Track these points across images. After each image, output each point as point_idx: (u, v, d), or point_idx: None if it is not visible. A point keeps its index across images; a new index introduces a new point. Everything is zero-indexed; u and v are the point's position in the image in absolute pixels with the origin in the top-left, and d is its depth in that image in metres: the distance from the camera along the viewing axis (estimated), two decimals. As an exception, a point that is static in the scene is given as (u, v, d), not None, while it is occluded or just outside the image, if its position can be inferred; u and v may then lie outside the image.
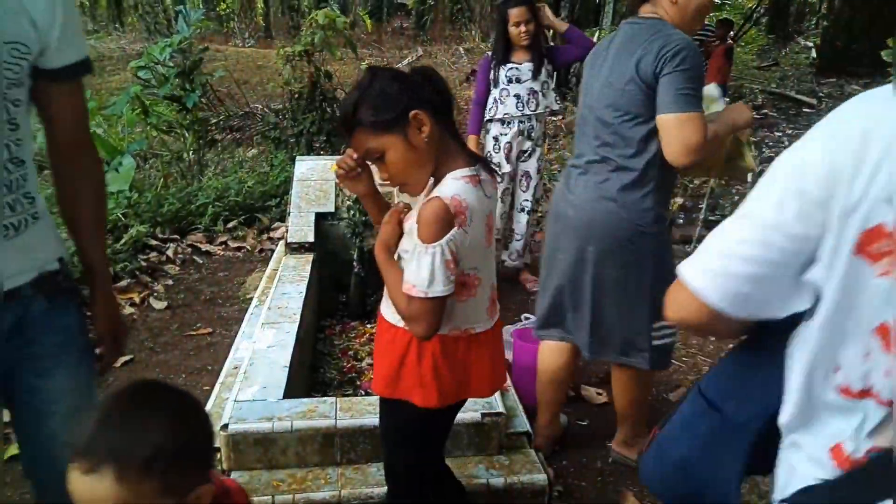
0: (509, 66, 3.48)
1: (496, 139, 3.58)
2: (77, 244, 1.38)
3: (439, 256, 1.26)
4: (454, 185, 1.30)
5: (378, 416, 1.59)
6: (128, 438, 0.83)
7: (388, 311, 1.44)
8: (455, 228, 1.27)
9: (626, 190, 1.96)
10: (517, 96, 3.48)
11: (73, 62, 1.22)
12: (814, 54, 12.42)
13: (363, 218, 3.20)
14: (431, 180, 1.37)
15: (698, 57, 1.84)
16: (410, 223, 1.34)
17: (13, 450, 2.33)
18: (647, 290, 2.01)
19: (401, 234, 1.40)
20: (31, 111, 1.23)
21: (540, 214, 4.08)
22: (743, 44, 12.59)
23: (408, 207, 1.43)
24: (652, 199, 1.95)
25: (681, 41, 1.83)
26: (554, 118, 7.05)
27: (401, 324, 1.39)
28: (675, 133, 1.81)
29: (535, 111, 3.51)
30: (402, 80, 1.32)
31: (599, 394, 2.77)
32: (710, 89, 2.02)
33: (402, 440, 1.53)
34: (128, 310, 3.49)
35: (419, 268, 1.27)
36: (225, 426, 1.80)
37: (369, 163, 1.38)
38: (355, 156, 1.36)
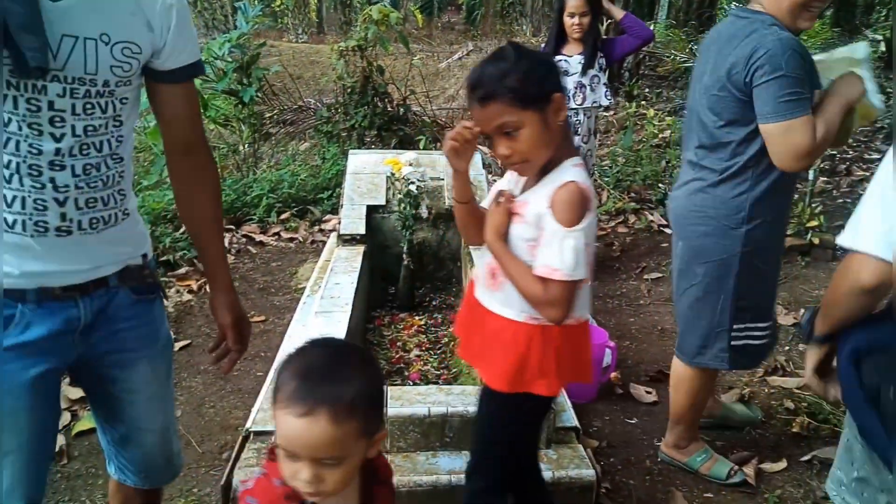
0: (559, 58, 3.44)
1: None
2: (196, 241, 1.43)
3: (582, 239, 1.29)
4: (577, 172, 1.34)
5: (483, 408, 1.57)
6: (337, 385, 0.98)
7: (503, 307, 1.42)
8: (590, 213, 1.32)
9: (716, 186, 1.98)
10: (564, 89, 3.44)
11: (185, 64, 1.26)
12: (882, 48, 11.88)
13: (413, 211, 3.23)
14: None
15: (795, 58, 1.77)
16: (532, 209, 1.35)
17: (80, 425, 2.46)
18: (732, 289, 2.02)
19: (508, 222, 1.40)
20: (137, 110, 1.27)
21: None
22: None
23: (512, 196, 1.43)
24: (746, 199, 1.94)
25: (773, 44, 1.77)
26: (606, 113, 6.94)
27: (520, 318, 1.39)
28: (782, 141, 1.80)
29: (581, 105, 3.46)
30: (546, 62, 1.40)
31: (649, 392, 2.73)
32: (859, 49, 1.87)
33: (520, 431, 1.54)
34: (185, 297, 3.62)
35: (562, 251, 1.28)
36: (280, 410, 1.85)
37: (492, 136, 1.34)
38: (476, 129, 1.36)
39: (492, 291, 1.44)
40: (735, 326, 2.05)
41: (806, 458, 2.33)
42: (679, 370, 2.20)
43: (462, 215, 1.51)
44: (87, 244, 1.20)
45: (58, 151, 1.13)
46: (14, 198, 1.12)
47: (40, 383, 1.19)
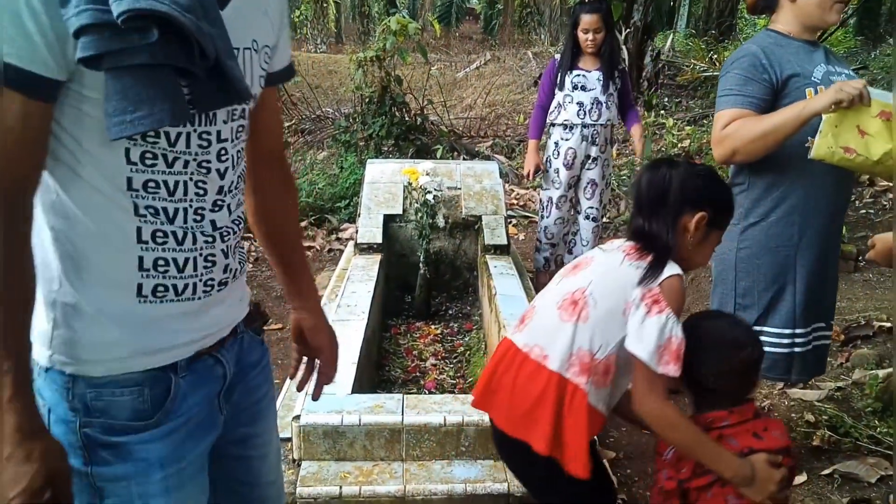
0: (576, 72, 3.44)
1: (557, 144, 3.54)
2: (279, 259, 1.23)
3: None
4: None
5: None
6: None
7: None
8: None
9: None
10: (580, 104, 3.44)
11: (287, 65, 1.10)
12: (908, 55, 11.70)
13: (430, 220, 3.25)
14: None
15: (748, 59, 1.94)
16: None
17: None
18: (732, 285, 2.06)
19: None
20: None
21: (607, 220, 4.02)
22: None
23: None
24: (746, 197, 2.02)
25: (737, 51, 2.02)
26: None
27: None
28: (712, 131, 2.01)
29: (597, 121, 3.47)
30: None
31: (666, 404, 2.71)
32: (875, 94, 1.80)
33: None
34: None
35: None
36: (297, 417, 1.87)
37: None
38: None
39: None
40: (756, 328, 2.04)
41: (827, 471, 2.30)
42: None
43: None
44: (234, 291, 1.04)
45: (220, 190, 0.96)
46: (186, 260, 0.93)
47: (202, 461, 1.02)
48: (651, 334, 1.28)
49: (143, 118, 0.79)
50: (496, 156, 6.51)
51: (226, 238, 0.98)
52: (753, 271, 2.03)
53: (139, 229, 0.89)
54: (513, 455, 1.51)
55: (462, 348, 3.01)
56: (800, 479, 2.27)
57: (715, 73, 8.91)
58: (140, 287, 0.90)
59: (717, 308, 2.10)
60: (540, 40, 12.96)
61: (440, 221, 3.27)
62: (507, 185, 5.45)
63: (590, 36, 3.36)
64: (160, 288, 0.92)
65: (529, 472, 1.50)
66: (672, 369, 1.28)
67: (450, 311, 3.40)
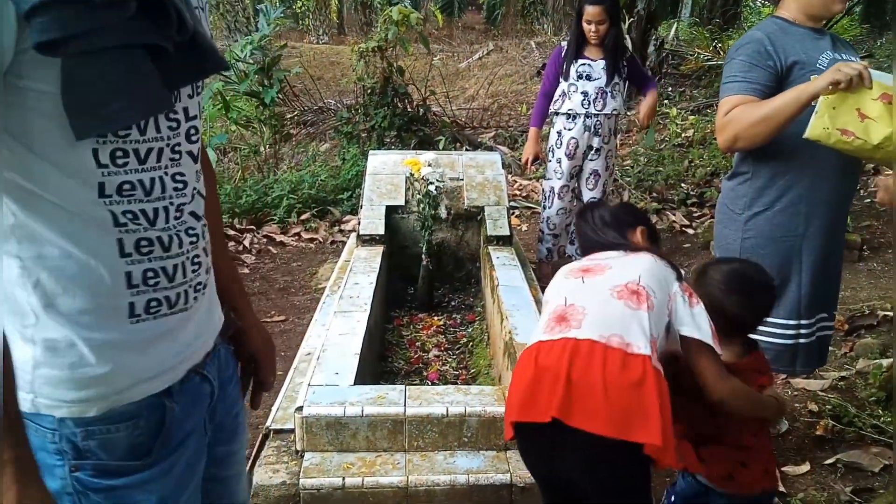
0: (581, 61, 3.43)
1: (559, 133, 3.53)
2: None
3: None
4: None
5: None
6: None
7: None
8: None
9: (731, 178, 2.11)
10: (584, 93, 3.43)
11: None
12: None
13: (432, 211, 3.24)
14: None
15: (752, 46, 1.93)
16: None
17: None
18: None
19: None
20: None
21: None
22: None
23: None
24: (749, 187, 2.02)
25: (742, 37, 2.01)
26: (629, 112, 6.90)
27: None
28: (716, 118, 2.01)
29: (601, 111, 3.45)
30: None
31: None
32: (877, 76, 1.76)
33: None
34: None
35: None
36: (300, 408, 1.87)
37: None
38: None
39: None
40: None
41: (830, 461, 2.29)
42: None
43: None
44: (211, 293, 0.94)
45: (196, 176, 0.86)
46: (175, 268, 0.83)
47: (198, 493, 0.94)
48: (704, 321, 1.37)
49: (120, 112, 0.69)
50: (499, 146, 6.48)
51: (205, 232, 0.89)
52: (759, 261, 2.01)
53: (121, 241, 0.78)
54: (617, 465, 1.28)
55: (465, 339, 3.01)
56: (803, 468, 2.27)
57: (719, 63, 8.84)
58: (132, 306, 0.80)
59: None
60: (543, 30, 12.88)
61: (442, 212, 3.26)
62: (509, 176, 5.43)
63: (593, 27, 3.34)
64: (153, 303, 0.82)
65: (624, 476, 1.30)
66: (719, 348, 1.39)
67: (452, 303, 3.40)
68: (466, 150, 5.94)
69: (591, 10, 3.32)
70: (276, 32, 7.41)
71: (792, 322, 2.05)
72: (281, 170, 5.55)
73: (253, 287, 3.85)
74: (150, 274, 0.81)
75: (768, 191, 2.00)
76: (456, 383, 2.59)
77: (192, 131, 0.84)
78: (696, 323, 1.37)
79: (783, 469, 2.26)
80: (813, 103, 1.78)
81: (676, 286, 1.42)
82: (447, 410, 1.89)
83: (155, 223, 0.80)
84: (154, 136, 0.77)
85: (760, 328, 2.05)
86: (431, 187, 3.20)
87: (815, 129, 1.74)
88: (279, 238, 4.55)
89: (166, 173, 0.80)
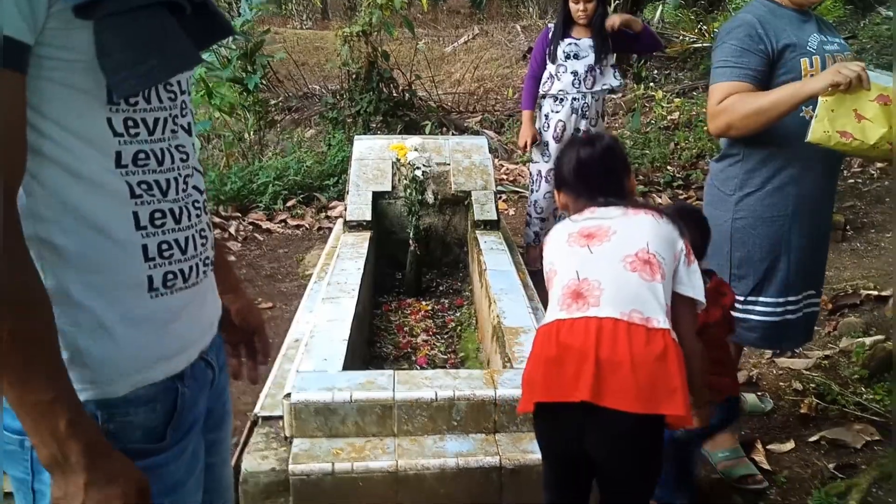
0: (568, 41, 3.41)
1: (547, 116, 3.52)
2: None
3: None
4: None
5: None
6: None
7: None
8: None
9: (720, 160, 2.12)
10: (574, 73, 3.41)
11: None
12: None
13: (419, 197, 3.23)
14: None
15: (743, 30, 1.92)
16: None
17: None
18: (727, 257, 2.06)
19: None
20: None
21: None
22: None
23: None
24: (740, 168, 2.03)
25: (732, 20, 1.99)
26: (613, 96, 6.90)
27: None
28: (707, 104, 2.00)
29: (591, 89, 3.44)
30: None
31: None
32: (874, 77, 1.78)
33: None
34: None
35: None
36: (288, 395, 1.86)
37: None
38: None
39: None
40: (748, 298, 2.08)
41: (814, 438, 2.33)
42: None
43: None
44: (213, 277, 0.94)
45: (194, 149, 0.87)
46: (187, 240, 0.84)
47: (201, 477, 0.94)
48: (698, 278, 1.42)
49: (157, 68, 0.70)
50: (485, 130, 6.46)
51: (207, 206, 0.90)
52: (749, 241, 2.04)
53: (136, 214, 0.78)
54: (643, 437, 1.32)
55: (453, 324, 3.01)
56: (788, 446, 2.30)
57: (705, 45, 8.84)
58: (150, 280, 0.80)
59: None
60: (528, 13, 12.81)
61: (429, 197, 3.25)
62: (496, 160, 5.42)
63: (581, 6, 3.32)
64: (170, 276, 0.81)
65: (646, 446, 1.33)
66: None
67: (440, 287, 3.40)
68: (453, 134, 5.92)
69: None
70: (259, 17, 7.31)
71: (780, 300, 2.07)
72: (266, 156, 5.51)
73: (240, 274, 3.82)
74: (164, 246, 0.81)
75: (759, 172, 2.01)
76: (445, 367, 2.60)
77: (184, 105, 0.84)
78: (692, 282, 1.41)
79: (769, 447, 2.29)
80: (805, 109, 1.85)
81: (681, 244, 1.43)
82: (436, 395, 1.90)
83: (167, 194, 0.80)
84: (158, 105, 0.78)
85: (749, 307, 2.08)
86: (418, 172, 3.18)
87: (816, 132, 1.79)
88: (265, 225, 4.52)
89: (171, 145, 0.81)
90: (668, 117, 6.39)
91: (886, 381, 2.50)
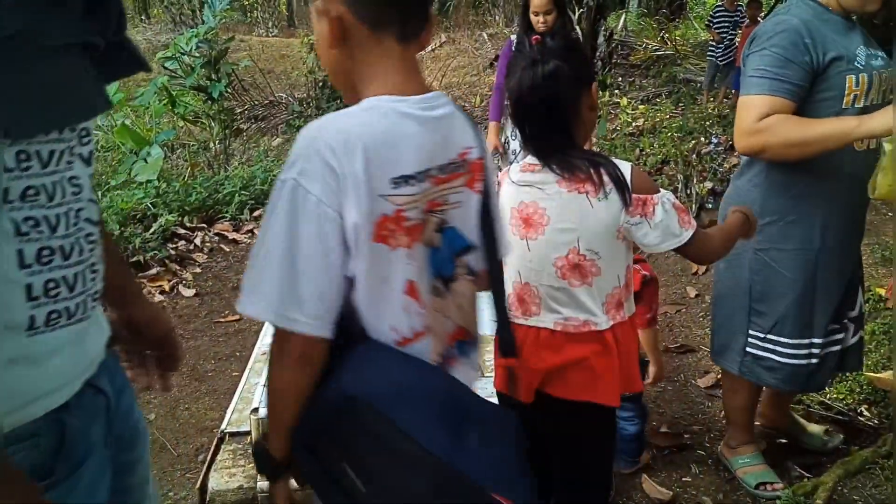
0: None
1: (514, 126, 3.54)
2: None
3: None
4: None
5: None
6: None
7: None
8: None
9: (739, 177, 1.91)
10: None
11: None
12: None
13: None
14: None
15: (787, 37, 1.67)
16: None
17: None
18: (746, 289, 1.87)
19: None
20: None
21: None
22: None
23: None
24: (760, 192, 1.81)
25: (772, 22, 1.74)
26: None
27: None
28: (736, 115, 1.74)
29: None
30: None
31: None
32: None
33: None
34: (157, 297, 3.56)
35: None
36: (255, 410, 1.82)
37: None
38: None
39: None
40: (751, 332, 1.90)
41: (782, 439, 2.35)
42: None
43: None
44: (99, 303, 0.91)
45: (90, 179, 0.83)
46: (76, 277, 0.80)
47: None
48: (666, 226, 1.30)
49: (59, 114, 0.66)
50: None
51: (99, 238, 0.85)
52: (770, 274, 1.84)
53: (20, 252, 0.73)
54: (586, 416, 1.40)
55: (424, 333, 3.00)
56: (760, 446, 2.32)
57: (667, 53, 9.02)
58: (32, 319, 0.75)
59: (731, 314, 1.94)
60: (494, 21, 12.92)
61: (398, 206, 3.23)
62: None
63: (541, 18, 3.35)
64: (53, 315, 0.77)
65: (596, 428, 1.44)
66: (693, 221, 1.34)
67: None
68: (421, 142, 5.91)
69: (536, 2, 3.33)
70: (223, 25, 7.22)
71: (804, 341, 1.87)
72: (232, 166, 5.42)
73: (206, 286, 3.75)
74: (51, 285, 0.77)
75: (780, 199, 1.80)
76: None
77: (84, 133, 0.80)
78: (663, 236, 1.31)
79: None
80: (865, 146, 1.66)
81: (623, 217, 1.30)
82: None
83: (56, 230, 0.76)
84: (56, 136, 0.74)
85: (769, 346, 1.89)
86: (386, 181, 3.16)
87: (882, 188, 1.57)
88: (231, 236, 4.45)
89: (64, 177, 0.77)
90: (633, 124, 6.49)
91: (848, 379, 2.55)
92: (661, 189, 1.36)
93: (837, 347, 1.94)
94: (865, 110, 1.69)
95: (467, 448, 0.88)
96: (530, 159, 1.38)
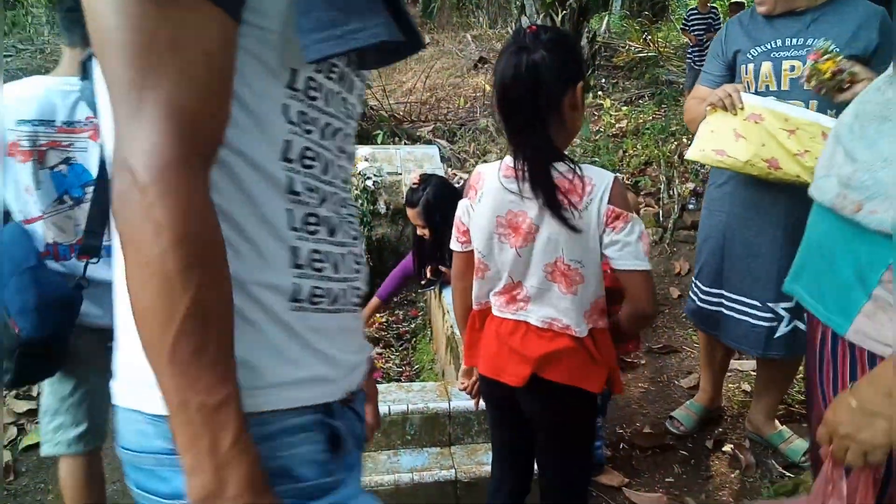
0: None
1: None
2: None
3: None
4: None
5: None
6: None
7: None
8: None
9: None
10: None
11: None
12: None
13: (371, 207, 3.19)
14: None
15: (715, 38, 2.10)
16: None
17: (28, 440, 2.36)
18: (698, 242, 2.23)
19: None
20: None
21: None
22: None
23: None
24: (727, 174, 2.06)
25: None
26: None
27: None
28: None
29: None
30: None
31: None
32: (748, 99, 1.88)
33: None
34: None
35: None
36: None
37: None
38: None
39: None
40: (694, 280, 2.24)
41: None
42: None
43: None
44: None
45: (350, 158, 0.78)
46: (341, 257, 0.74)
47: None
48: (637, 248, 1.29)
49: (356, 32, 0.61)
50: (437, 140, 6.46)
51: (360, 236, 0.80)
52: (703, 227, 2.21)
53: (290, 212, 0.67)
54: (568, 398, 1.42)
55: (408, 335, 2.99)
56: (744, 445, 2.34)
57: (650, 54, 9.07)
58: (296, 290, 0.67)
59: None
60: (479, 23, 12.93)
61: (381, 208, 3.22)
62: (448, 169, 5.42)
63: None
64: (318, 292, 0.69)
65: (578, 410, 1.47)
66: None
67: (395, 299, 3.36)
68: (405, 144, 5.89)
69: None
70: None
71: (714, 290, 2.16)
72: (214, 168, 5.38)
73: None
74: (316, 255, 0.69)
75: (718, 169, 2.07)
76: (399, 380, 2.57)
77: (350, 134, 0.76)
78: (634, 253, 1.30)
79: (723, 449, 2.33)
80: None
81: (599, 232, 1.30)
82: (389, 409, 1.87)
83: (325, 202, 0.71)
84: (334, 112, 0.71)
85: (696, 291, 2.23)
86: (369, 182, 3.15)
87: (691, 151, 1.92)
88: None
89: (337, 157, 0.73)
90: (617, 125, 6.51)
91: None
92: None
93: (761, 323, 2.05)
94: (778, 96, 1.89)
95: None
96: (510, 161, 1.36)
